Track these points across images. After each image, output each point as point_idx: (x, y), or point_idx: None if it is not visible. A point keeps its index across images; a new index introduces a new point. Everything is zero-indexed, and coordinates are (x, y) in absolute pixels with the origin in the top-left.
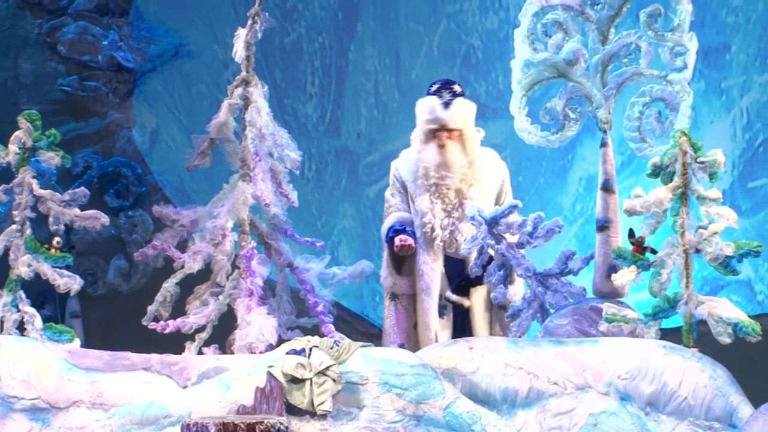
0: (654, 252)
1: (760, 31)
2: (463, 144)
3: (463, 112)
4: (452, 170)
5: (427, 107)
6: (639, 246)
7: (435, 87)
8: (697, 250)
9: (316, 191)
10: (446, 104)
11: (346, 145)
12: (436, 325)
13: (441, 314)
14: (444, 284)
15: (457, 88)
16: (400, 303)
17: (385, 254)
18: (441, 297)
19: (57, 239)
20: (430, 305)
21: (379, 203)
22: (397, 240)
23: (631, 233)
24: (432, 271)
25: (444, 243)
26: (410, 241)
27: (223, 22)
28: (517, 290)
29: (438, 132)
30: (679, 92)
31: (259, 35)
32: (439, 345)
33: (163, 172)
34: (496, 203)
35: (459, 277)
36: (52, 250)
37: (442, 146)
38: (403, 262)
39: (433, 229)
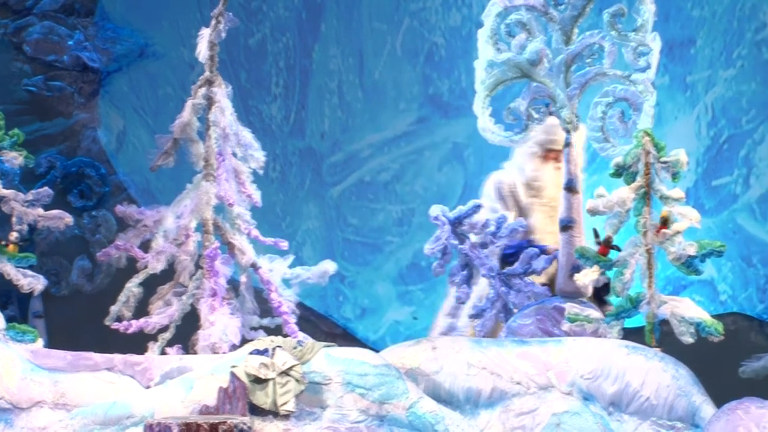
0: (619, 249)
1: (725, 25)
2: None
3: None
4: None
5: (555, 128)
6: (606, 246)
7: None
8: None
9: (281, 192)
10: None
11: (310, 145)
12: None
13: None
14: None
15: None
16: None
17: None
18: None
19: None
20: None
21: (343, 203)
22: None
23: (595, 233)
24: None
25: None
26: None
27: (188, 23)
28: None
29: (556, 153)
30: (643, 92)
31: (223, 35)
32: (402, 345)
33: (130, 172)
34: None
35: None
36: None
37: (558, 168)
38: None
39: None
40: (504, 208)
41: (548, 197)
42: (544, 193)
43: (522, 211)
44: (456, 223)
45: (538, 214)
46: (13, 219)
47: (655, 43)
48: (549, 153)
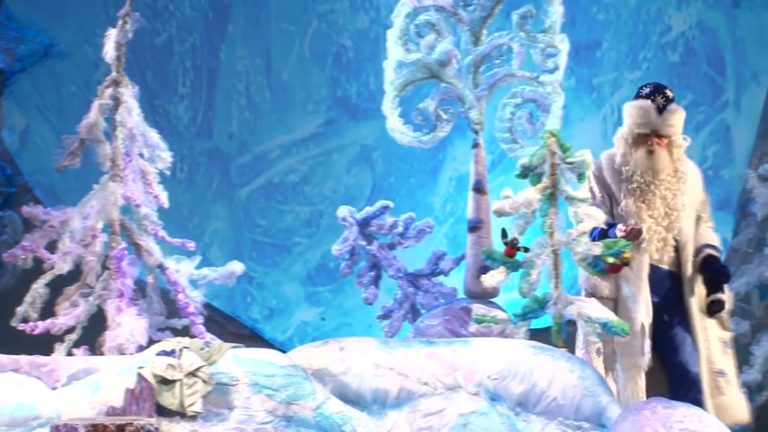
0: (527, 251)
1: (631, 28)
2: (670, 151)
3: (676, 118)
4: (659, 177)
5: (639, 111)
6: (512, 247)
7: (647, 90)
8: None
9: (188, 193)
10: (660, 109)
11: (217, 146)
12: (643, 331)
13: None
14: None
15: (669, 93)
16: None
17: None
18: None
19: None
20: (636, 312)
21: (251, 205)
22: (621, 225)
23: (503, 233)
24: (637, 277)
25: (650, 250)
26: (639, 225)
27: (93, 22)
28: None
29: (648, 137)
30: (551, 93)
31: (130, 35)
32: (310, 346)
33: (34, 172)
34: (698, 215)
35: (665, 283)
36: None
37: (650, 152)
38: None
39: (640, 233)
40: (591, 195)
41: (637, 182)
42: (633, 178)
43: (612, 197)
44: (364, 224)
45: (628, 199)
46: None
47: (563, 44)
48: (639, 137)
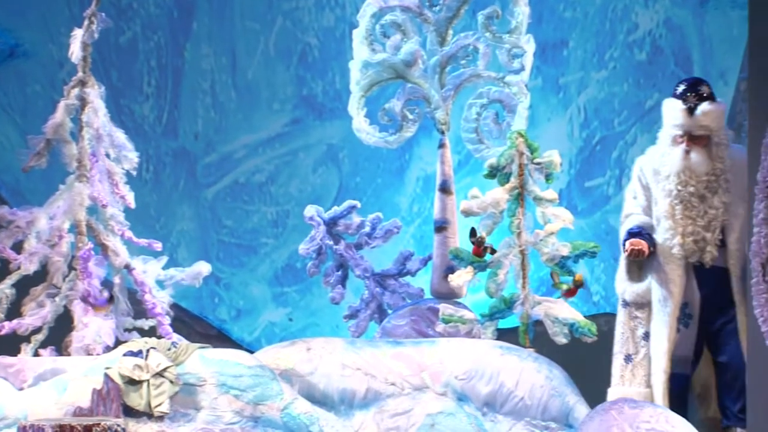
0: (494, 251)
1: (597, 27)
2: (709, 149)
3: (709, 117)
4: (695, 177)
5: (671, 111)
6: (479, 245)
7: (681, 88)
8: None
9: (155, 193)
10: (691, 110)
11: (183, 146)
12: (671, 336)
13: (686, 324)
14: (690, 293)
15: (704, 89)
16: (631, 310)
17: (622, 258)
18: (684, 307)
19: None
20: (667, 316)
21: (217, 205)
22: (627, 243)
23: (473, 232)
24: (670, 280)
25: (686, 251)
26: (642, 245)
27: (57, 21)
28: None
29: (683, 137)
30: (517, 94)
31: (96, 35)
32: (277, 346)
33: None
34: None
35: (714, 282)
36: None
37: (687, 152)
38: (642, 268)
39: (673, 236)
40: (632, 194)
41: (673, 182)
42: (670, 178)
43: (652, 197)
44: (331, 223)
45: (664, 199)
46: None
47: (529, 45)
48: (675, 137)
